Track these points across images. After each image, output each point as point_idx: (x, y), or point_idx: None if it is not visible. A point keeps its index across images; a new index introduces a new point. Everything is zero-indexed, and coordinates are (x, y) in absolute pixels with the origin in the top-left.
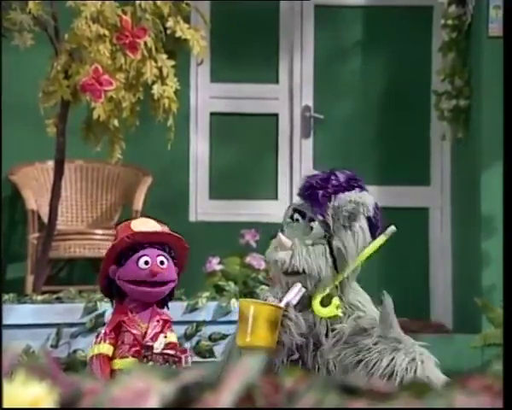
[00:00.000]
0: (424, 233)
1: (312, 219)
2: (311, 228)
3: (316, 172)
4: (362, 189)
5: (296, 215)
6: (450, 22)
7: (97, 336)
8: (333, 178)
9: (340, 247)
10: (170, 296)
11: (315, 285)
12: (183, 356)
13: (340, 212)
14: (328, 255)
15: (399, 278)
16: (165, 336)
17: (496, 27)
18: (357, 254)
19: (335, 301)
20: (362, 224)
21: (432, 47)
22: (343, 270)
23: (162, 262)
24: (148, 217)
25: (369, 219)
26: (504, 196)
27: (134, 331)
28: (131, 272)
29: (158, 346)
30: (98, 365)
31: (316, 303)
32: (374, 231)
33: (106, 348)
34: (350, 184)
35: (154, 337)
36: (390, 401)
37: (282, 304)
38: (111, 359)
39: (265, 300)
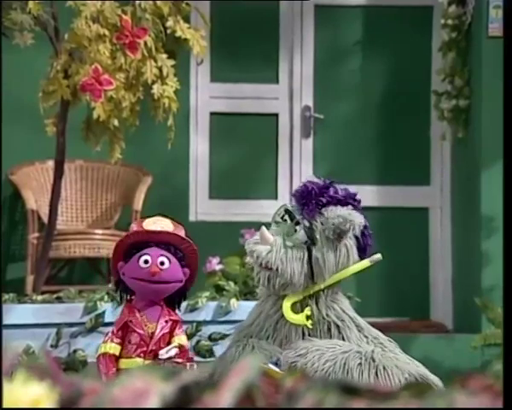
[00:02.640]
0: (424, 233)
1: (298, 223)
2: (295, 231)
3: (316, 180)
4: (355, 208)
5: (286, 216)
6: (450, 22)
7: (106, 336)
8: (331, 189)
9: (319, 257)
10: (180, 297)
11: (284, 287)
12: (188, 365)
13: (327, 223)
14: (305, 262)
15: (399, 278)
16: (176, 344)
17: (496, 27)
18: (336, 271)
19: (307, 311)
20: (348, 242)
21: (432, 47)
22: (319, 282)
23: (162, 263)
24: (149, 217)
25: (357, 239)
26: (504, 196)
27: (140, 332)
28: (133, 270)
29: (163, 353)
30: (104, 364)
31: (286, 306)
32: (360, 253)
33: (112, 348)
34: (345, 200)
35: (162, 339)
36: (390, 401)
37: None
38: (118, 358)
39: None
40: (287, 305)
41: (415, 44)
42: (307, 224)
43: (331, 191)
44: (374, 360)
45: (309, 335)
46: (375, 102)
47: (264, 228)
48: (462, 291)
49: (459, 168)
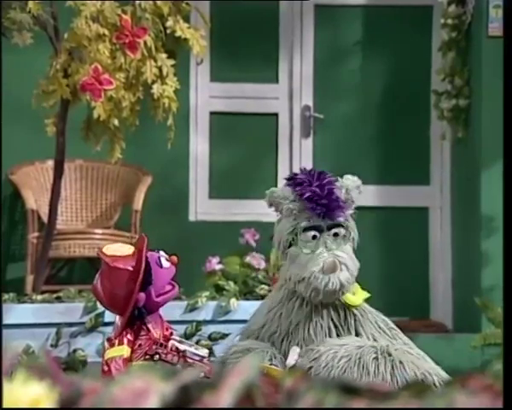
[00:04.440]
0: (424, 233)
1: (332, 227)
2: (335, 234)
3: (300, 179)
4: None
5: (311, 233)
6: (449, 22)
7: (109, 340)
8: (323, 176)
9: (355, 235)
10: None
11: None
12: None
13: (350, 201)
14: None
15: (399, 278)
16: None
17: (496, 27)
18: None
19: (364, 294)
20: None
21: (432, 46)
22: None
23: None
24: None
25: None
26: (504, 196)
27: (155, 335)
28: (166, 277)
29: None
30: (120, 367)
31: (348, 296)
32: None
33: (128, 351)
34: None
35: (164, 342)
36: (390, 401)
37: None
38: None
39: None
40: (349, 295)
41: (415, 44)
42: (342, 219)
43: (327, 177)
44: (390, 355)
45: (329, 335)
46: (375, 101)
47: (331, 260)
48: (462, 291)
49: (459, 168)
